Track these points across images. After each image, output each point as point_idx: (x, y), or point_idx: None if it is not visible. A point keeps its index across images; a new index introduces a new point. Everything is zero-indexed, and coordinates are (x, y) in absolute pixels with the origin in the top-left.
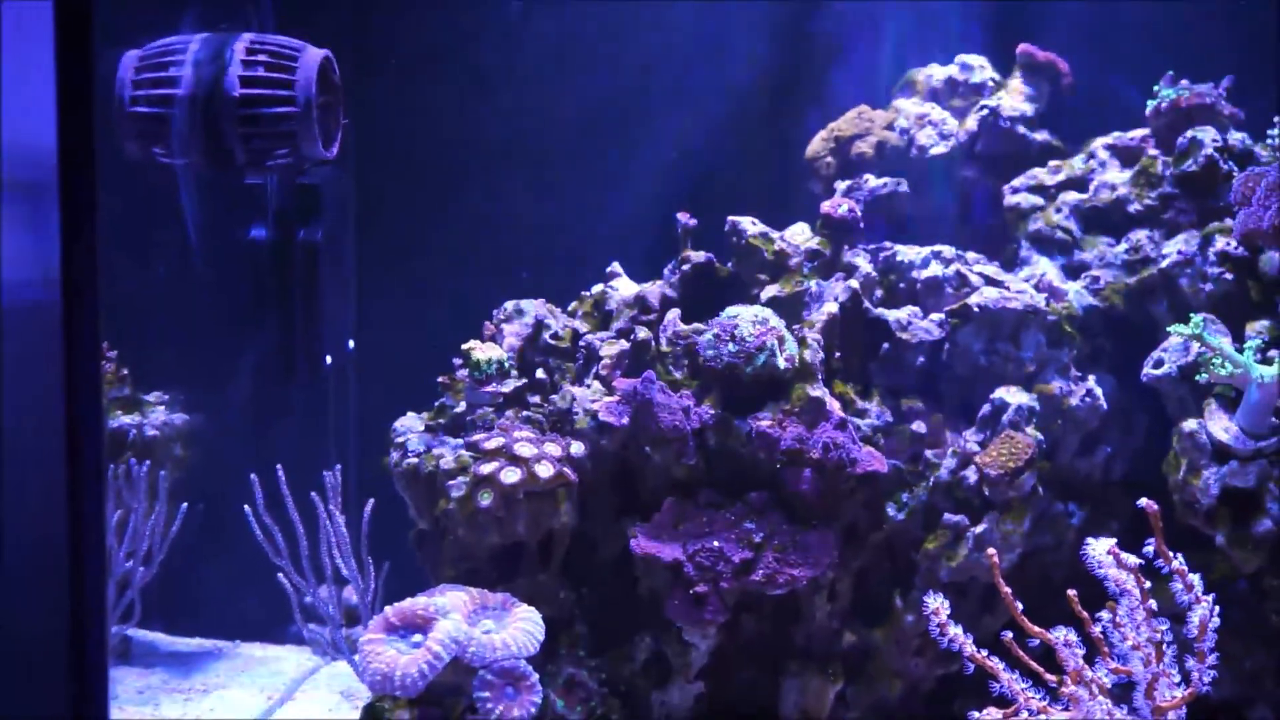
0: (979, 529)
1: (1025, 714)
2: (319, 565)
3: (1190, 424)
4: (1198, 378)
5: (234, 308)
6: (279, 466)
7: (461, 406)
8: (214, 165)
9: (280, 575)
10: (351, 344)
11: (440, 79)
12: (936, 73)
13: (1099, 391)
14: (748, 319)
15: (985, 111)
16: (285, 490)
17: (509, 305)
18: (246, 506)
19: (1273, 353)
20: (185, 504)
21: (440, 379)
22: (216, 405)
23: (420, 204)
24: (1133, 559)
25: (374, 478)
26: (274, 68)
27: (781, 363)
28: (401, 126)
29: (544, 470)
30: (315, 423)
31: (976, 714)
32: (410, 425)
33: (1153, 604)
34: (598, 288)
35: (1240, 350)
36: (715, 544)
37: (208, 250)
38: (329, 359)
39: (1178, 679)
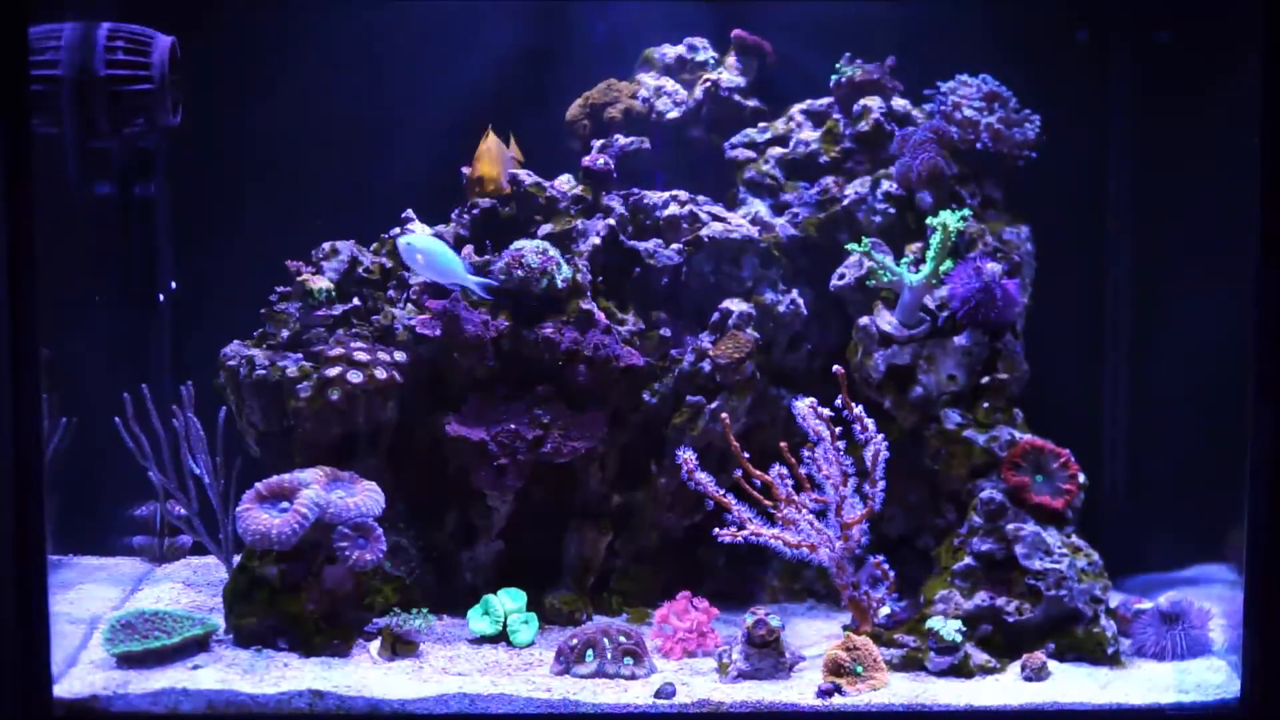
0: (713, 405)
1: (751, 527)
2: (180, 465)
3: (864, 319)
4: (868, 283)
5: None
6: (144, 385)
7: (284, 334)
8: (82, 134)
9: (151, 473)
10: (174, 284)
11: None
12: (669, 51)
13: (800, 301)
14: (531, 249)
15: (708, 84)
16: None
17: (326, 246)
18: (117, 418)
19: (922, 266)
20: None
21: (262, 310)
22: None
23: (233, 168)
24: (826, 410)
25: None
26: (131, 51)
27: (559, 283)
28: (221, 104)
29: (380, 373)
30: (150, 350)
31: (718, 530)
32: (239, 349)
33: (840, 445)
34: (396, 230)
35: (898, 264)
36: (511, 426)
37: (66, 205)
38: (161, 296)
39: (860, 505)
